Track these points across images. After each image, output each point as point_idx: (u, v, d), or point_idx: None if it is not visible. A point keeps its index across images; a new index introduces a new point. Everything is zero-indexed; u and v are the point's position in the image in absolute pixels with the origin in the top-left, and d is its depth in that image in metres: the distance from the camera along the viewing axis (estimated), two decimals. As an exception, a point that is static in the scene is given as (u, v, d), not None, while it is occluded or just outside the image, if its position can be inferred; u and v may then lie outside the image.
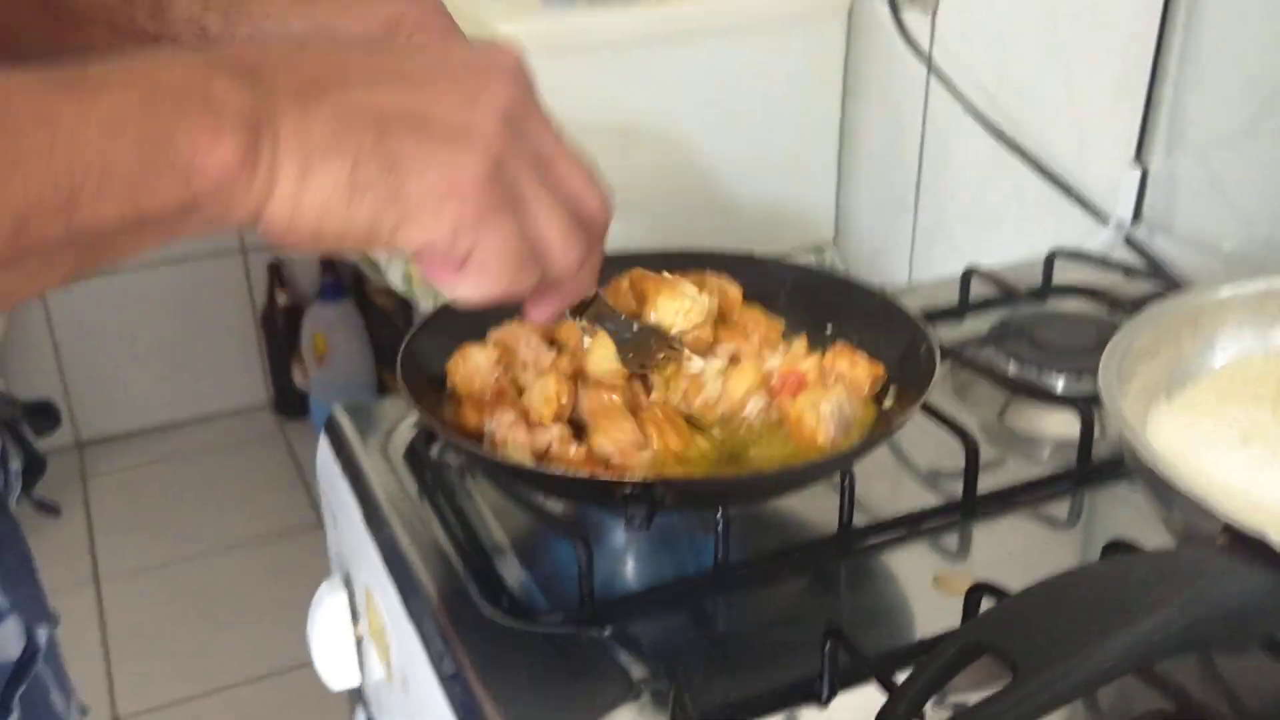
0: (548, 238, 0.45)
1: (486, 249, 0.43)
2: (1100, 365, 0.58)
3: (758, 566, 0.64)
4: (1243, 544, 0.45)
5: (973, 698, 0.52)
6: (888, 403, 0.69)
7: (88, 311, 2.54)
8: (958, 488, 0.69)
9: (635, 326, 0.64)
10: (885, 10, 1.21)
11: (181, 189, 0.38)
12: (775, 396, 0.69)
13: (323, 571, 0.85)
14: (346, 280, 2.60)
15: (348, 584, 0.76)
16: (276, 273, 2.62)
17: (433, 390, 0.70)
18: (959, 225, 1.23)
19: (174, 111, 0.37)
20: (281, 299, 2.64)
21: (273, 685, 1.94)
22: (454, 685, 0.57)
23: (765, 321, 0.74)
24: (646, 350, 0.65)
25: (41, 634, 0.65)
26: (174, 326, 2.62)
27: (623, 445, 0.62)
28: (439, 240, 0.43)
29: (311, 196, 0.40)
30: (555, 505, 0.68)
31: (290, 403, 2.71)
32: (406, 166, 0.41)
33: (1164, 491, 0.50)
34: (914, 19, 1.20)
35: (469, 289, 0.45)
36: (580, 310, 0.60)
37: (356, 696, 0.81)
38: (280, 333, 2.66)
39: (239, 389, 2.75)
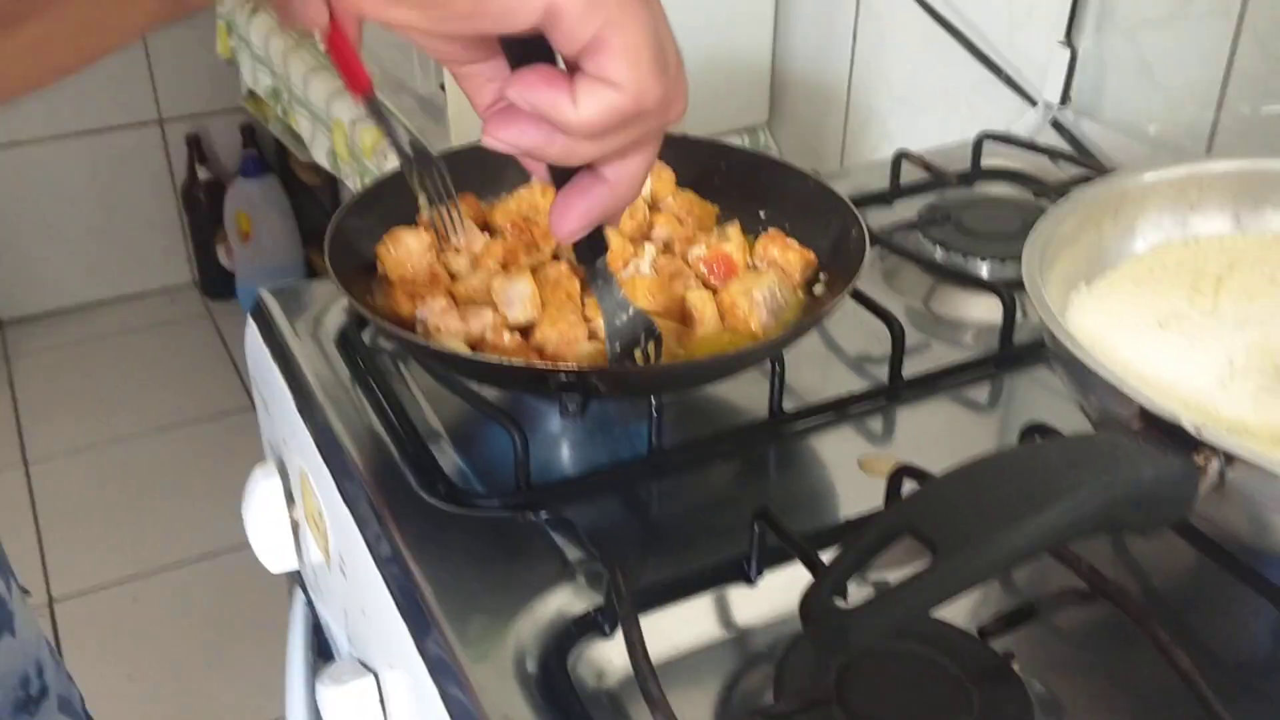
0: (673, 58, 0.38)
1: (625, 35, 0.35)
2: (1023, 252, 0.59)
3: (690, 452, 0.65)
4: (1157, 428, 0.47)
5: (893, 576, 0.55)
6: (818, 289, 0.70)
7: (3, 188, 2.45)
8: (884, 373, 0.71)
9: (630, 310, 0.59)
10: (822, -118, 1.18)
11: None
12: (707, 282, 0.69)
13: (256, 454, 0.85)
14: (270, 155, 2.54)
15: (281, 468, 0.76)
16: (196, 146, 2.55)
17: (363, 274, 0.70)
18: (892, 108, 1.22)
19: None
20: (202, 174, 2.57)
21: (209, 566, 1.95)
22: (391, 567, 0.58)
23: (699, 206, 0.74)
24: (634, 339, 0.60)
25: None
26: (92, 202, 2.55)
27: (567, 337, 0.62)
28: (569, 8, 0.34)
29: None
30: (490, 392, 0.68)
31: (216, 282, 2.66)
32: None
33: (1081, 377, 0.52)
34: (851, -108, 1.18)
35: (587, 99, 0.36)
36: (593, 254, 0.55)
37: (295, 579, 0.82)
38: (202, 210, 2.60)
39: (162, 268, 2.69)
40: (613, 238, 0.67)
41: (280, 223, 2.52)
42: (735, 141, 1.38)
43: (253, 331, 0.78)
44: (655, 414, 0.63)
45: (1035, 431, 0.60)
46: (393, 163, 1.23)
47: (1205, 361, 0.56)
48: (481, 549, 0.58)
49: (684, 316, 0.66)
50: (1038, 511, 0.41)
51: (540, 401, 0.68)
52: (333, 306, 0.78)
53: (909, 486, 0.58)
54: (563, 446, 0.67)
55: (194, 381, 2.41)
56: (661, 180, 0.75)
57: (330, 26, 0.41)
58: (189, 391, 2.37)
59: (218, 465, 2.13)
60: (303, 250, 2.57)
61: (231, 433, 2.25)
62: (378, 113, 0.54)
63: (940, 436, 0.68)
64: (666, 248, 0.72)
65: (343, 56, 0.47)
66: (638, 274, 0.68)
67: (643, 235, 0.72)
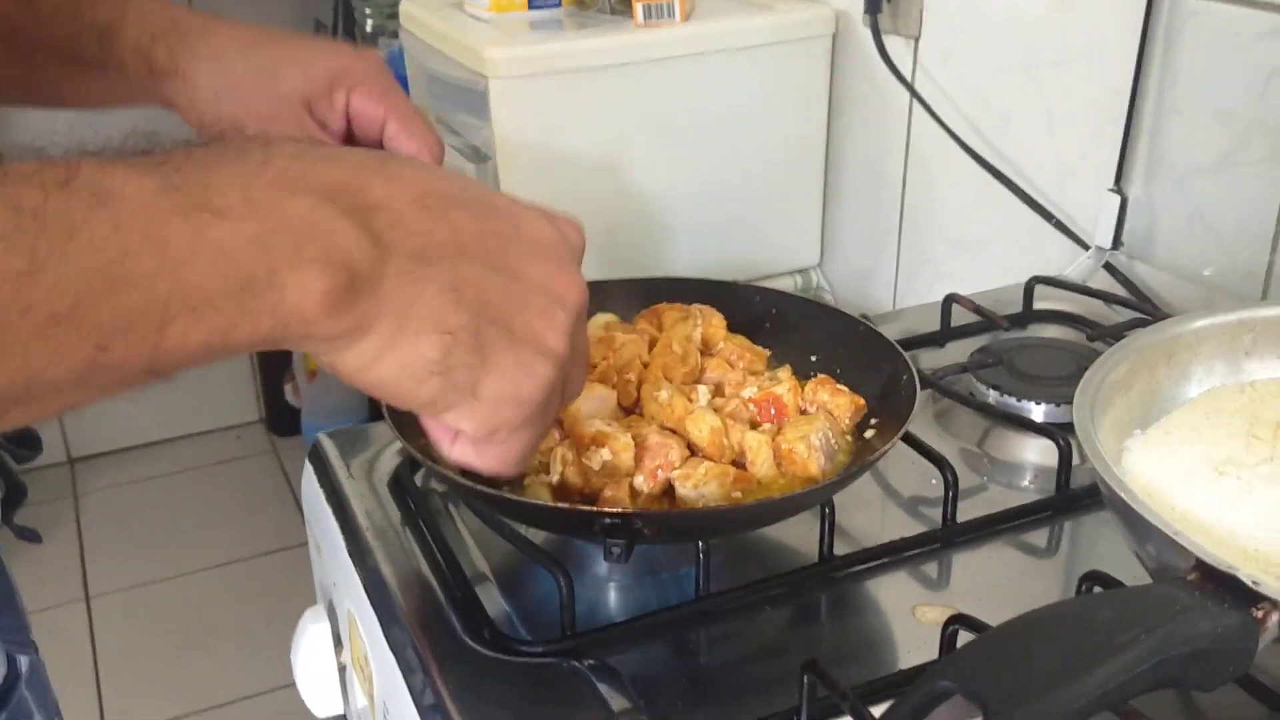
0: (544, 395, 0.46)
1: (514, 447, 0.45)
2: (1075, 397, 0.59)
3: (739, 596, 0.65)
4: (1214, 580, 0.45)
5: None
6: (869, 433, 0.70)
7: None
8: (938, 515, 0.70)
9: None
10: (869, 36, 1.22)
11: (272, 326, 0.37)
12: (756, 424, 0.69)
13: (313, 593, 0.85)
14: (337, 298, 2.61)
15: (331, 611, 0.76)
16: (267, 290, 2.63)
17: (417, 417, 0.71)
18: (943, 250, 1.24)
19: (289, 256, 0.36)
20: (272, 316, 2.64)
21: (262, 705, 1.94)
22: (434, 716, 0.58)
23: (750, 351, 0.75)
24: None
25: (23, 661, 0.65)
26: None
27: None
28: (481, 432, 0.44)
29: (395, 360, 0.40)
30: (537, 534, 0.69)
31: (282, 420, 2.71)
32: (490, 363, 0.42)
33: (1137, 526, 0.51)
34: (896, 45, 1.21)
35: (471, 462, 0.46)
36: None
37: (341, 723, 0.81)
38: (272, 350, 2.66)
39: (231, 406, 2.75)
40: (665, 391, 0.68)
41: (345, 362, 2.58)
42: (787, 284, 1.40)
43: (309, 474, 0.79)
44: (703, 557, 0.63)
45: (1093, 580, 0.58)
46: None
47: (1263, 509, 0.54)
48: (526, 697, 0.57)
49: (738, 459, 0.67)
50: (1091, 670, 0.40)
51: (588, 544, 0.68)
52: (388, 449, 0.79)
53: (964, 637, 0.56)
54: (609, 590, 0.67)
55: (257, 518, 2.43)
56: (713, 326, 0.76)
57: None
58: (252, 528, 2.40)
59: (275, 603, 2.13)
60: (366, 389, 2.62)
61: (291, 569, 2.26)
62: None
63: (996, 583, 0.67)
64: (718, 391, 0.72)
65: None
66: (700, 411, 0.68)
67: (694, 379, 0.72)
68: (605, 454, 0.63)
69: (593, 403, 0.67)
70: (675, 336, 0.73)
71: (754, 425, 0.69)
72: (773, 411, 0.69)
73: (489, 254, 0.42)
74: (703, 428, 0.66)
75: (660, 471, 0.63)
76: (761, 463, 0.66)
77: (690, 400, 0.69)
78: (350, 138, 0.65)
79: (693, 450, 0.66)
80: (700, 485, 0.62)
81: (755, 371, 0.74)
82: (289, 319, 0.37)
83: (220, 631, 2.11)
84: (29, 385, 0.33)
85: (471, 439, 0.45)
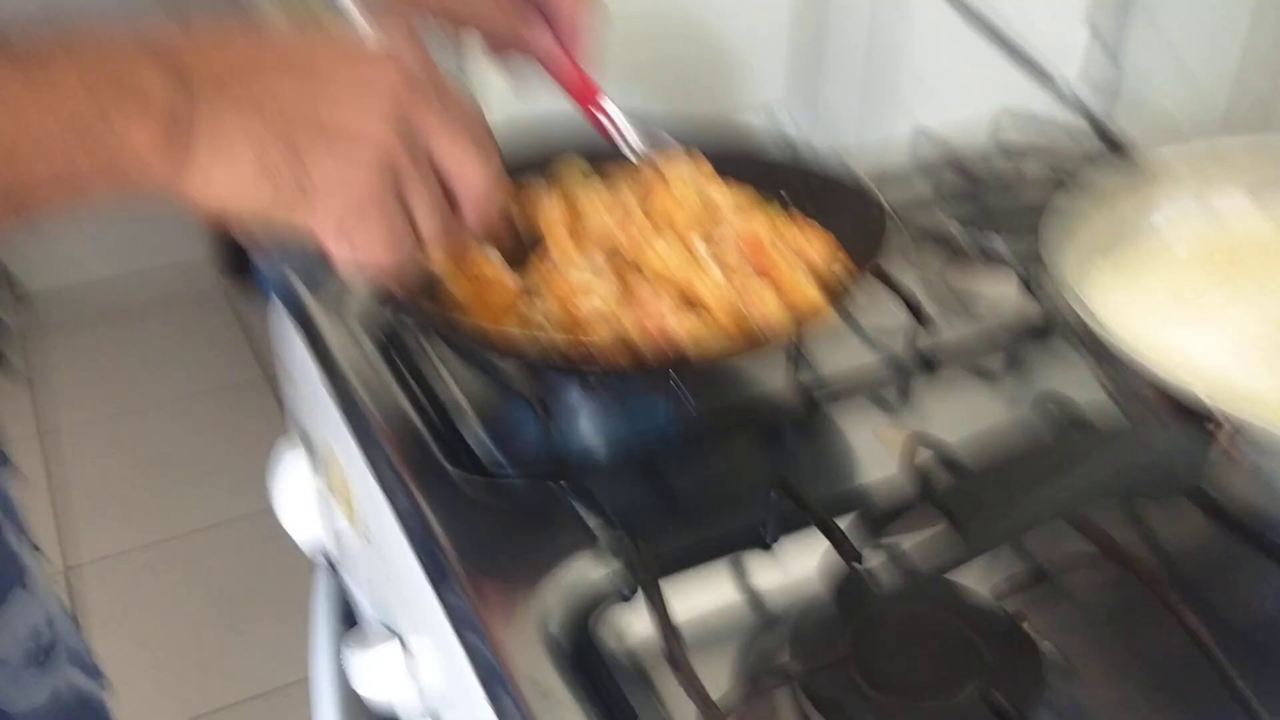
0: (417, 217, 0.50)
1: (368, 230, 0.49)
2: (1040, 228, 0.60)
3: (709, 424, 0.67)
4: (1170, 401, 0.48)
5: (909, 542, 0.56)
6: (835, 266, 0.70)
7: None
8: (901, 345, 0.72)
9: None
10: None
11: (108, 159, 0.43)
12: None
13: (268, 427, 0.86)
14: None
15: (306, 440, 0.78)
16: (213, 125, 2.56)
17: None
18: (909, 83, 1.23)
19: (109, 95, 0.43)
20: (220, 152, 2.58)
21: (224, 534, 1.97)
22: (417, 534, 0.60)
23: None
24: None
25: None
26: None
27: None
28: (328, 224, 0.48)
29: (222, 173, 0.45)
30: (512, 364, 0.70)
31: (232, 258, 2.68)
32: (306, 157, 0.46)
33: (1097, 349, 0.52)
34: None
35: (346, 260, 0.50)
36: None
37: (319, 547, 0.83)
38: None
39: (181, 243, 2.71)
40: (662, 242, 0.68)
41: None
42: (752, 118, 1.38)
43: (279, 309, 0.79)
44: (676, 388, 0.64)
45: (1049, 401, 0.61)
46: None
47: (1221, 334, 0.57)
48: (505, 517, 0.59)
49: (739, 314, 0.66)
50: (1052, 478, 0.42)
51: (563, 375, 0.69)
52: (358, 284, 0.79)
53: (924, 456, 0.59)
54: (585, 420, 0.68)
55: (209, 355, 2.43)
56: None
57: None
58: (204, 365, 2.40)
59: (231, 437, 2.16)
60: (319, 226, 2.59)
61: (244, 405, 2.27)
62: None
63: (957, 409, 0.69)
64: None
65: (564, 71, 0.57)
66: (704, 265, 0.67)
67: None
68: (595, 302, 0.63)
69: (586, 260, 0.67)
70: (681, 191, 0.71)
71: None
72: (753, 252, 0.69)
73: (293, 68, 0.47)
74: (709, 285, 0.65)
75: (648, 323, 0.63)
76: (770, 309, 0.66)
77: (690, 252, 0.68)
78: None
79: (686, 300, 0.65)
80: (693, 331, 0.62)
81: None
82: (125, 155, 0.43)
83: (178, 466, 2.13)
84: None
85: (328, 234, 0.49)
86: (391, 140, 0.48)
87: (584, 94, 0.72)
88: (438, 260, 0.55)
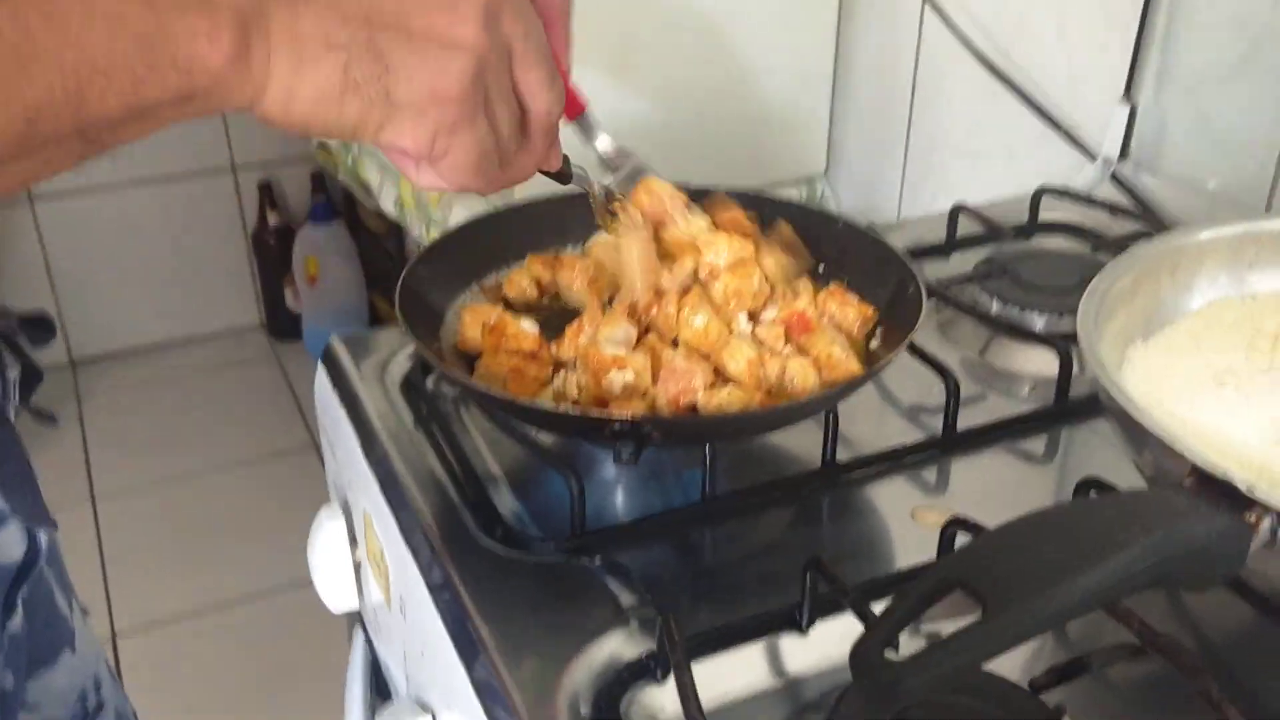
0: (503, 137, 0.47)
1: (460, 151, 0.46)
2: (1079, 306, 0.60)
3: (744, 499, 0.66)
4: (1209, 485, 0.47)
5: (945, 629, 0.55)
6: (873, 343, 0.71)
7: (79, 230, 2.54)
8: (939, 424, 0.71)
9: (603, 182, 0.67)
10: (881, -61, 1.20)
11: (181, 81, 0.40)
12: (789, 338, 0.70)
13: (315, 492, 0.87)
14: (337, 202, 2.60)
15: (345, 509, 0.78)
16: (267, 193, 2.61)
17: (429, 320, 0.72)
18: (950, 159, 1.23)
19: (173, 10, 0.39)
20: (272, 219, 2.64)
21: (267, 604, 1.98)
22: (450, 609, 0.60)
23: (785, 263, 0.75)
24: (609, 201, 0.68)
25: (42, 537, 0.67)
26: (165, 245, 2.62)
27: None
28: (420, 142, 0.45)
29: (306, 89, 0.42)
30: (548, 437, 0.70)
31: (282, 324, 2.72)
32: (395, 68, 0.43)
33: (1135, 433, 0.52)
34: (910, -51, 1.20)
35: (436, 182, 0.48)
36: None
37: (355, 618, 0.83)
38: (272, 254, 2.66)
39: (231, 309, 2.76)
40: (701, 316, 0.68)
41: (346, 267, 2.58)
42: (793, 193, 1.40)
43: (322, 376, 0.81)
44: (709, 461, 0.64)
45: (1090, 486, 0.60)
46: (458, 215, 1.26)
47: (1261, 418, 0.56)
48: (537, 592, 0.59)
49: (773, 387, 0.66)
50: (1089, 568, 0.41)
51: (596, 447, 0.69)
52: (399, 353, 0.80)
53: (962, 539, 0.58)
54: (618, 492, 0.68)
55: (258, 420, 2.46)
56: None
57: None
58: (252, 430, 2.42)
59: (278, 503, 2.17)
60: (367, 294, 2.62)
61: (293, 471, 2.29)
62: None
63: (994, 489, 0.68)
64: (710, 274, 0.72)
65: None
66: (738, 341, 0.67)
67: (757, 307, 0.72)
68: (627, 375, 0.63)
69: (616, 332, 0.68)
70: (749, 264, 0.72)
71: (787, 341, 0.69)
72: (799, 328, 0.69)
73: None
74: (740, 360, 0.65)
75: (682, 399, 0.63)
76: (810, 385, 0.65)
77: (729, 328, 0.68)
78: None
79: (721, 376, 0.65)
80: (721, 403, 0.63)
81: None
82: (193, 70, 0.40)
83: (224, 531, 2.15)
84: None
85: (420, 155, 0.46)
86: (485, 49, 0.44)
87: (571, 107, 0.69)
88: (522, 179, 0.52)
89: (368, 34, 0.42)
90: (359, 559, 0.76)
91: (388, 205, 1.52)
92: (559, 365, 0.67)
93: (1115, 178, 1.00)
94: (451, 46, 0.43)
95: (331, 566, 0.76)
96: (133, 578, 2.06)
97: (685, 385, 0.63)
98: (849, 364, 0.67)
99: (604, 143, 0.71)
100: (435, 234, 0.74)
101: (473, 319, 0.70)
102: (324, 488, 0.87)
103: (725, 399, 0.63)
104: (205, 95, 0.41)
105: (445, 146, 0.45)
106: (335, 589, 0.76)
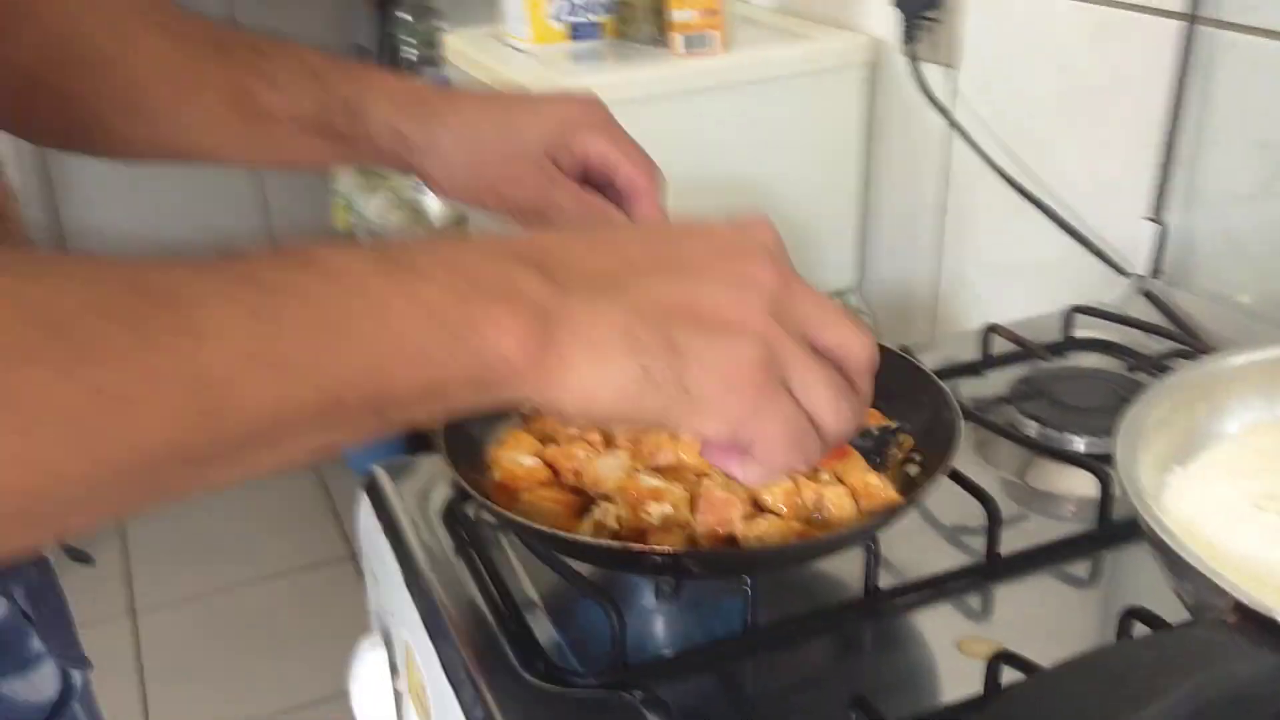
0: (820, 409, 0.47)
1: (768, 437, 0.46)
2: (1116, 435, 0.60)
3: (786, 630, 0.66)
4: (1253, 622, 0.46)
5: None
6: (912, 469, 0.71)
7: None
8: (980, 547, 0.71)
9: (874, 431, 0.68)
10: (906, 64, 1.23)
11: (476, 368, 0.41)
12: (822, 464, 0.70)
13: (352, 604, 0.87)
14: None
15: (387, 639, 0.79)
16: (310, 310, 2.67)
17: (470, 450, 0.73)
18: (981, 276, 1.25)
19: (476, 301, 0.41)
20: (315, 335, 2.68)
21: (306, 718, 1.96)
22: (492, 747, 0.60)
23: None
24: (886, 448, 0.70)
25: (76, 676, 0.68)
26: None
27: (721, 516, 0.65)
28: (723, 432, 0.45)
29: (606, 391, 0.43)
30: (586, 566, 0.70)
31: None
32: (690, 361, 0.43)
33: (1176, 565, 0.52)
34: (935, 74, 1.23)
35: (755, 475, 0.48)
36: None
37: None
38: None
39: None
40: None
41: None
42: (826, 308, 1.41)
43: (365, 505, 0.82)
44: (750, 592, 0.64)
45: (1134, 616, 0.59)
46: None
47: (1304, 547, 0.55)
48: (579, 727, 0.59)
49: (809, 515, 0.66)
50: (1132, 711, 0.41)
51: (636, 579, 0.69)
52: (440, 481, 0.81)
53: (1008, 673, 0.58)
54: (658, 622, 0.68)
55: (297, 532, 2.47)
56: None
57: None
58: (292, 542, 2.43)
59: (317, 617, 2.17)
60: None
61: (331, 584, 2.29)
62: None
63: (1039, 616, 0.68)
64: None
65: None
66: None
67: None
68: (665, 508, 0.64)
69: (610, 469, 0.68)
70: None
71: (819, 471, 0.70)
72: (833, 455, 0.70)
73: (664, 267, 0.45)
74: (775, 491, 0.65)
75: (721, 529, 0.63)
76: (847, 514, 0.66)
77: None
78: (586, 179, 0.70)
79: (759, 507, 0.66)
80: (759, 533, 0.63)
81: None
82: (493, 361, 0.41)
83: (265, 645, 2.15)
84: (274, 425, 0.38)
85: (728, 444, 0.46)
86: (773, 331, 0.45)
87: None
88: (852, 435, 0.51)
89: (662, 326, 0.43)
90: (400, 689, 0.76)
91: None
92: (599, 496, 0.68)
93: (1148, 295, 1.00)
94: (738, 333, 0.44)
95: (373, 697, 0.76)
96: (171, 693, 2.05)
97: (723, 516, 0.64)
98: (885, 491, 0.67)
99: None
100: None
101: (504, 457, 0.71)
102: (361, 599, 0.88)
103: (765, 530, 0.63)
104: (501, 384, 0.42)
105: (751, 432, 0.45)
106: (376, 719, 0.76)
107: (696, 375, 0.43)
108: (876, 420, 0.72)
